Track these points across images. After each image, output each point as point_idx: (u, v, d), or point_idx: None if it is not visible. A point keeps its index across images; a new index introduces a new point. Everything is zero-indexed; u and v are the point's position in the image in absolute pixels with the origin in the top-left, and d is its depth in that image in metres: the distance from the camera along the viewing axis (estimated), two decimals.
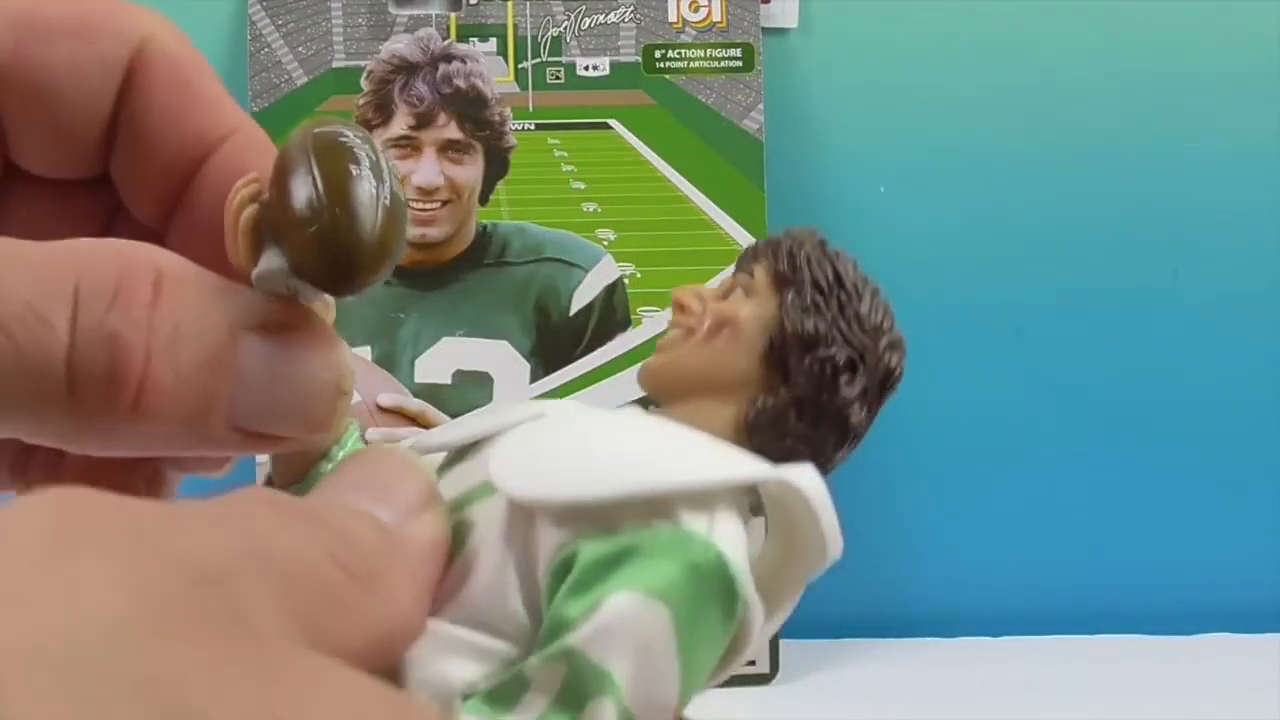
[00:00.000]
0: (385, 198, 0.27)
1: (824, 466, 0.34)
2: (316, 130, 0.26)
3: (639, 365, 0.36)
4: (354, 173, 0.26)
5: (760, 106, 0.75)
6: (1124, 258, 0.80)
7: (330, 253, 0.26)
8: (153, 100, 0.27)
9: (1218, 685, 0.71)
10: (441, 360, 0.73)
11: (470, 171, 0.74)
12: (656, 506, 0.28)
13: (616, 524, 0.27)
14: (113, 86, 0.27)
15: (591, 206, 0.75)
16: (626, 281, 0.74)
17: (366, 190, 0.26)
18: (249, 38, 0.74)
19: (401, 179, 0.73)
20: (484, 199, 0.74)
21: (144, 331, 0.23)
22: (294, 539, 0.21)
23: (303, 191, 0.25)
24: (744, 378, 0.35)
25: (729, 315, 0.35)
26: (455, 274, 0.74)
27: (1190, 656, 0.75)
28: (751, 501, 0.33)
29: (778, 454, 0.33)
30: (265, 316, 0.25)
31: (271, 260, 0.25)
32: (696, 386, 0.35)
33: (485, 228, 0.74)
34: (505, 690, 0.26)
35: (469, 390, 0.73)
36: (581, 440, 0.30)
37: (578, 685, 0.26)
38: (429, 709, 0.19)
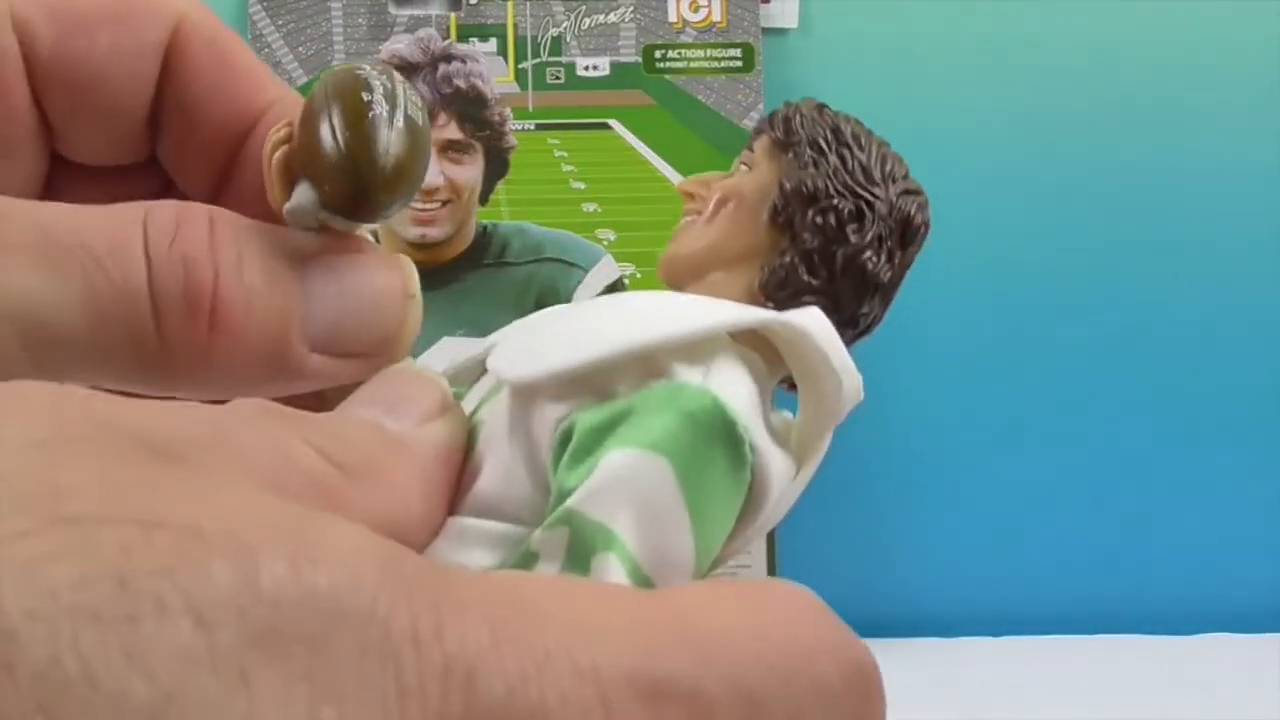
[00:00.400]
0: (400, 121, 0.27)
1: (854, 320, 0.35)
2: (336, 70, 0.27)
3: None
4: (366, 99, 0.27)
5: (760, 106, 0.75)
6: (1124, 259, 0.80)
7: (350, 181, 0.27)
8: (194, 79, 0.28)
9: (1218, 685, 0.71)
10: (441, 360, 0.73)
11: (470, 171, 0.74)
12: (650, 365, 0.27)
13: (612, 388, 0.27)
14: (154, 69, 0.28)
15: (591, 206, 0.75)
16: (626, 281, 0.74)
17: (380, 116, 0.27)
18: (249, 38, 0.74)
19: None
20: (484, 199, 0.74)
21: (209, 253, 0.24)
22: (271, 433, 0.20)
23: (322, 127, 0.26)
24: (753, 247, 0.35)
25: (727, 189, 0.35)
26: (455, 274, 0.74)
27: (1190, 656, 0.75)
28: (784, 373, 0.31)
29: (784, 307, 0.33)
30: (319, 245, 0.26)
31: (301, 195, 0.26)
32: (708, 264, 0.35)
33: (485, 228, 0.74)
34: (517, 567, 0.25)
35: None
36: (577, 316, 0.30)
37: (581, 545, 0.25)
38: (340, 527, 0.19)
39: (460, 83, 0.74)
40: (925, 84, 0.80)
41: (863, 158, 0.37)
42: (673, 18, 0.76)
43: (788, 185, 0.35)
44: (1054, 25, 0.80)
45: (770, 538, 0.73)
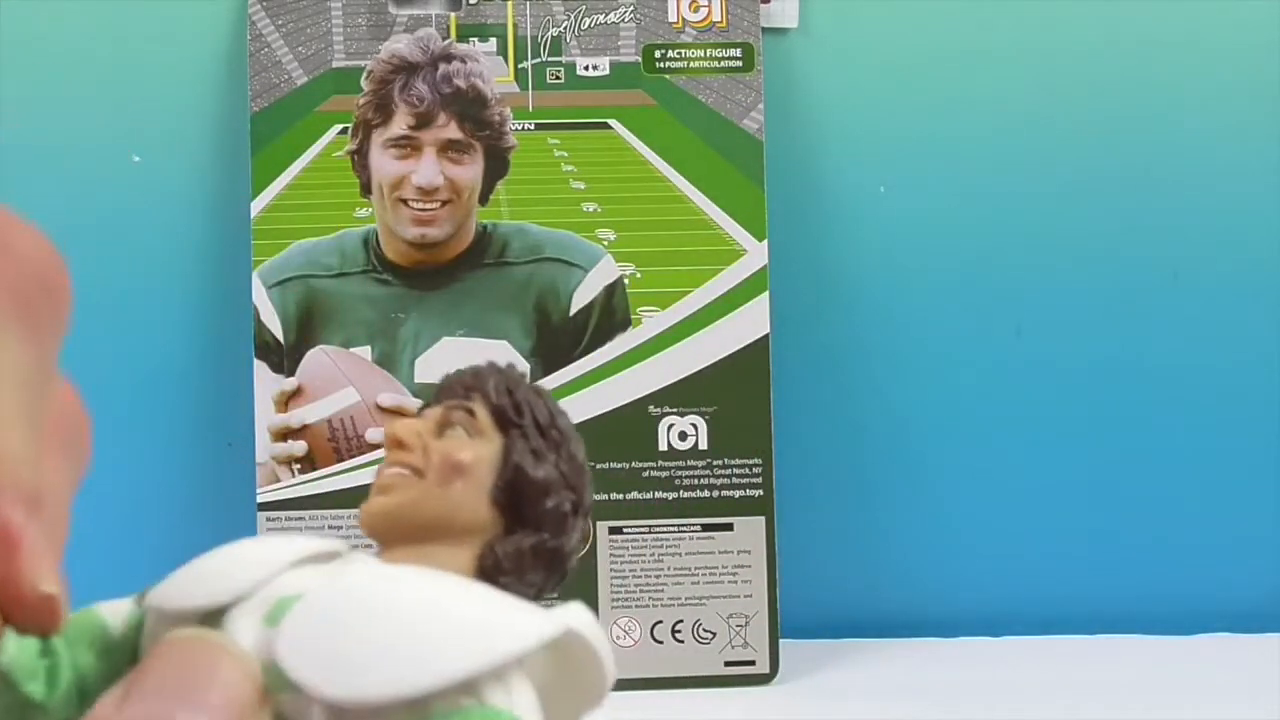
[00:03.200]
0: None
1: (538, 599, 0.36)
2: None
3: (363, 509, 0.37)
4: None
5: (760, 106, 0.75)
6: (1124, 258, 0.80)
7: None
8: None
9: (1218, 685, 0.71)
10: (441, 360, 0.73)
11: (470, 171, 0.74)
12: (463, 687, 0.29)
13: (428, 708, 0.29)
14: None
15: (591, 206, 0.75)
16: (626, 281, 0.74)
17: None
18: (249, 38, 0.74)
19: (401, 179, 0.73)
20: (484, 199, 0.74)
21: None
22: None
23: None
24: (477, 522, 0.36)
25: (459, 461, 0.36)
26: (455, 274, 0.74)
27: (1190, 656, 0.75)
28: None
29: (513, 593, 0.35)
30: None
31: None
32: (430, 532, 0.36)
33: (485, 228, 0.74)
34: None
35: None
36: (383, 615, 0.31)
37: None
38: None
39: (460, 82, 0.74)
40: (925, 84, 0.80)
41: (574, 449, 0.39)
42: (673, 18, 0.76)
43: (521, 472, 0.37)
44: (1055, 26, 0.80)
45: (770, 538, 0.73)
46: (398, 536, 0.36)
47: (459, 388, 0.39)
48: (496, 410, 0.38)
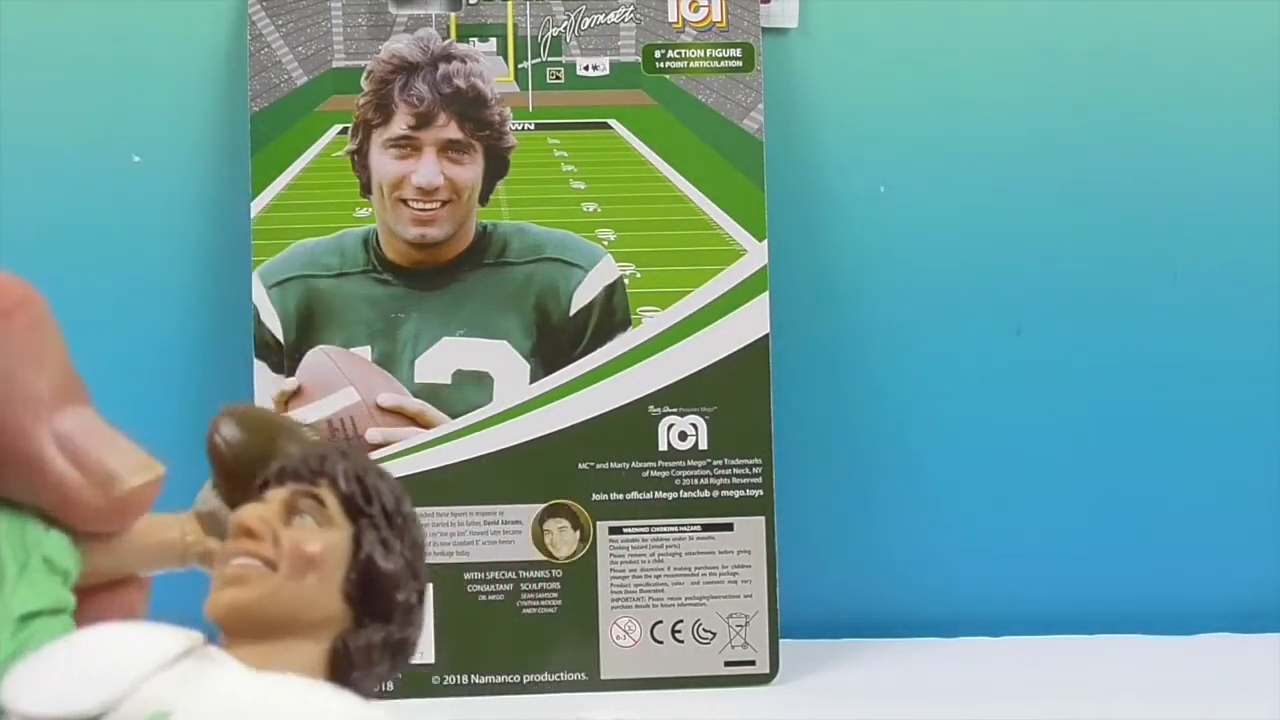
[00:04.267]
0: None
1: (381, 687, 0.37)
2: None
3: (211, 598, 0.37)
4: None
5: (760, 106, 0.75)
6: (1124, 258, 0.80)
7: None
8: None
9: (1218, 685, 0.71)
10: (441, 360, 0.73)
11: (470, 171, 0.74)
12: None
13: None
14: None
15: (591, 206, 0.75)
16: (626, 281, 0.74)
17: None
18: (249, 38, 0.74)
19: (401, 179, 0.73)
20: (484, 199, 0.74)
21: None
22: None
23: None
24: (328, 616, 0.36)
25: (311, 554, 0.36)
26: (455, 274, 0.74)
27: (1190, 656, 0.75)
28: None
29: (358, 686, 0.35)
30: None
31: None
32: (281, 627, 0.36)
33: (485, 228, 0.74)
34: None
35: (469, 390, 0.73)
36: None
37: None
38: None
39: (460, 82, 0.74)
40: (926, 84, 0.80)
41: (421, 539, 0.39)
42: (673, 18, 0.76)
43: (372, 565, 0.37)
44: (1055, 25, 0.80)
45: (770, 538, 0.73)
46: (248, 631, 0.36)
47: (305, 470, 0.38)
48: (346, 498, 0.37)
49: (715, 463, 0.73)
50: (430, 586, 0.40)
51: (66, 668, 0.34)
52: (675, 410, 0.73)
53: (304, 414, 0.72)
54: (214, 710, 0.33)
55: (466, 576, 0.72)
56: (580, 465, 0.73)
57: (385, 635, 0.37)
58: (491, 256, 0.74)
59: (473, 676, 0.71)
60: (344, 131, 0.74)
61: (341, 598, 0.37)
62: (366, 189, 0.74)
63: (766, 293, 0.74)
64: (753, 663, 0.72)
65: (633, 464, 0.73)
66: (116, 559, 0.39)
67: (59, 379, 0.36)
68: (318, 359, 0.72)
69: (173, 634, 0.36)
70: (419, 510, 0.64)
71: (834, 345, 0.80)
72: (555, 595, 0.72)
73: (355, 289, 0.73)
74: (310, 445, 0.39)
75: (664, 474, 0.73)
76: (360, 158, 0.74)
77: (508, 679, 0.71)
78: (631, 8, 0.76)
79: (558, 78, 0.76)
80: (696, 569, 0.73)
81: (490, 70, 0.74)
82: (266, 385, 0.72)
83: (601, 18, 0.76)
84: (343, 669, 0.37)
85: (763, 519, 0.73)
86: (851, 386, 0.80)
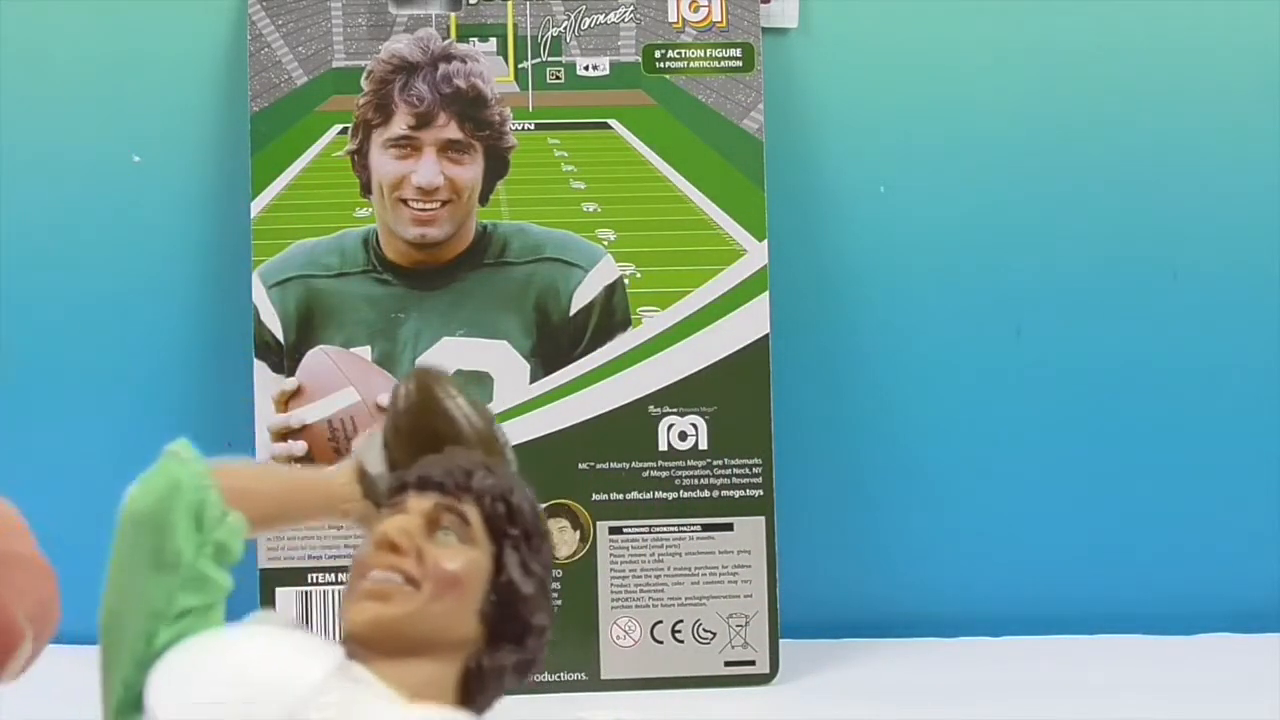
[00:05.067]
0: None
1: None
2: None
3: (351, 610, 0.37)
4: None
5: (760, 106, 0.75)
6: (1124, 258, 0.80)
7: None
8: None
9: (1218, 685, 0.71)
10: (441, 360, 0.73)
11: (470, 171, 0.74)
12: None
13: None
14: None
15: (591, 206, 0.75)
16: (626, 281, 0.74)
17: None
18: (249, 38, 0.74)
19: (401, 179, 0.73)
20: (484, 199, 0.74)
21: None
22: None
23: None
24: (466, 638, 0.37)
25: (454, 576, 0.36)
26: (455, 274, 0.74)
27: (1190, 656, 0.75)
28: None
29: (482, 705, 0.37)
30: None
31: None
32: (421, 646, 0.36)
33: (485, 228, 0.74)
34: None
35: (469, 390, 0.73)
36: None
37: None
38: None
39: (460, 82, 0.74)
40: (926, 84, 0.80)
41: (551, 555, 0.40)
42: (673, 17, 0.76)
43: (512, 590, 0.37)
44: (1055, 26, 0.80)
45: (770, 539, 0.73)
46: (388, 648, 0.36)
47: (450, 483, 0.38)
48: (490, 517, 0.38)
49: (715, 463, 0.73)
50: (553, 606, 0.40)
51: (223, 685, 0.33)
52: (675, 410, 0.73)
53: (304, 414, 0.72)
54: None
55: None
56: (580, 465, 0.73)
57: (519, 659, 0.38)
58: (491, 256, 0.74)
59: None
60: (344, 131, 0.74)
61: (478, 619, 0.37)
62: (366, 189, 0.74)
63: (766, 293, 0.74)
64: (753, 663, 0.72)
65: (633, 464, 0.73)
66: (281, 514, 0.39)
67: None
68: (318, 359, 0.72)
69: (319, 651, 0.35)
70: None
71: (834, 345, 0.80)
72: (555, 595, 0.72)
73: (355, 289, 0.73)
74: (481, 435, 0.40)
75: (664, 474, 0.73)
76: (360, 158, 0.74)
77: None
78: (631, 8, 0.76)
79: (558, 78, 0.76)
80: (696, 569, 0.73)
81: (490, 70, 0.74)
82: (266, 385, 0.72)
83: (601, 18, 0.76)
84: (474, 689, 0.37)
85: (763, 519, 0.73)
86: (851, 386, 0.80)
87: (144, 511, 0.35)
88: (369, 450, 0.41)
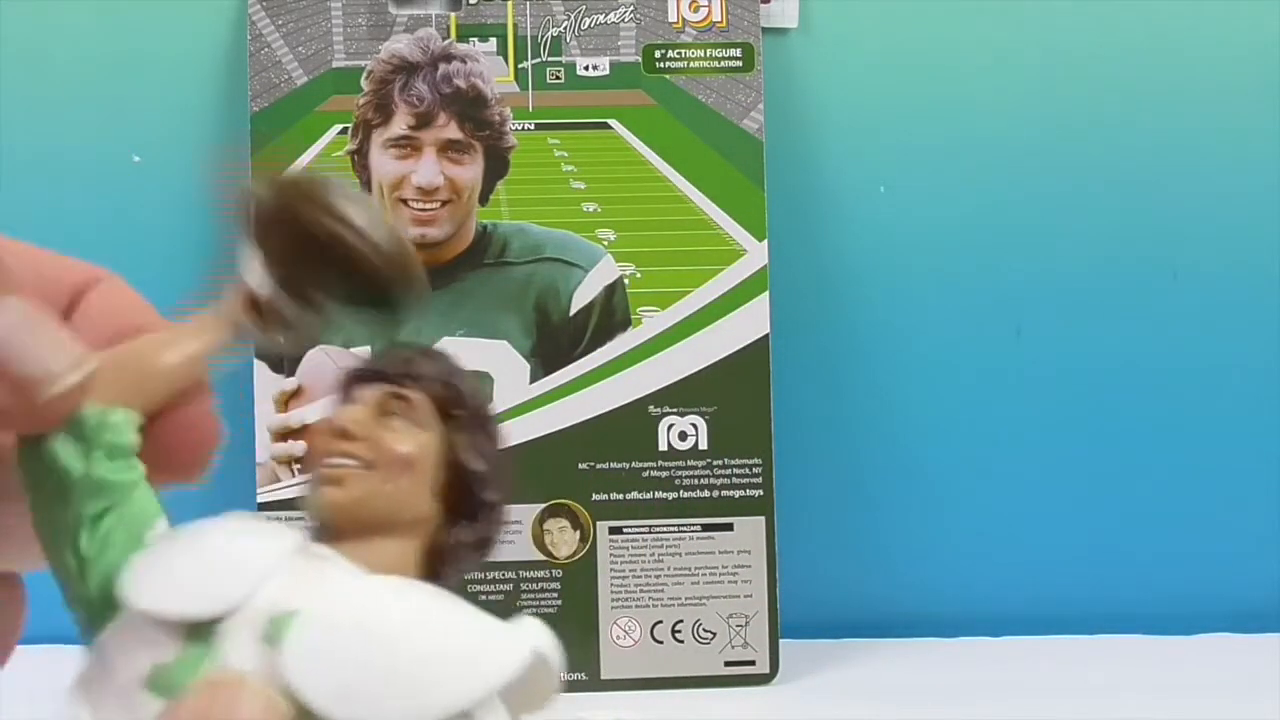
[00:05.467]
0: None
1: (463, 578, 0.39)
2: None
3: (311, 495, 0.38)
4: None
5: (760, 106, 0.75)
6: (1124, 258, 0.80)
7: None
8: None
9: (1218, 685, 0.71)
10: None
11: (470, 171, 0.74)
12: (462, 715, 0.34)
13: None
14: None
15: (591, 206, 0.75)
16: (626, 281, 0.74)
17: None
18: (249, 38, 0.74)
19: (401, 179, 0.73)
20: (484, 199, 0.74)
21: None
22: None
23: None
24: (422, 515, 0.39)
25: (407, 456, 0.38)
26: (455, 274, 0.74)
27: (1190, 656, 0.75)
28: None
29: (446, 582, 0.38)
30: None
31: None
32: (381, 525, 0.38)
33: (485, 227, 0.74)
34: None
35: (358, 199, 0.72)
36: (381, 651, 0.34)
37: None
38: None
39: (460, 82, 0.74)
40: (926, 84, 0.80)
41: (503, 439, 0.41)
42: (673, 18, 0.76)
43: (465, 467, 0.39)
44: (1055, 27, 0.80)
45: (770, 539, 0.73)
46: (348, 529, 0.38)
47: (395, 371, 0.39)
48: (436, 400, 0.39)
49: (715, 463, 0.73)
50: (510, 483, 0.41)
51: (189, 568, 0.35)
52: (675, 410, 0.73)
53: (304, 414, 0.72)
54: (339, 610, 0.34)
55: (467, 576, 0.72)
56: (580, 465, 0.73)
57: (476, 535, 0.39)
58: (491, 256, 0.74)
59: None
60: (344, 131, 0.74)
61: (433, 497, 0.38)
62: (366, 189, 0.74)
63: (766, 293, 0.74)
64: (753, 663, 0.72)
65: (633, 464, 0.73)
66: (165, 385, 0.39)
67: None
68: (318, 359, 0.72)
69: (283, 532, 0.37)
70: None
71: (834, 345, 0.80)
72: (555, 595, 0.72)
73: None
74: (354, 201, 0.40)
75: (664, 474, 0.73)
76: (360, 158, 0.74)
77: None
78: (631, 8, 0.76)
79: (558, 78, 0.76)
80: (696, 569, 0.73)
81: (490, 70, 0.74)
82: (266, 385, 0.72)
83: (601, 18, 0.76)
84: (435, 565, 0.38)
85: (763, 519, 0.73)
86: (851, 386, 0.80)
87: (24, 451, 0.36)
88: (248, 275, 0.41)
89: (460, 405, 0.39)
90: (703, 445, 0.73)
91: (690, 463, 0.73)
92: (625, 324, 0.74)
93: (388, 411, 0.39)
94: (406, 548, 0.38)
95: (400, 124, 0.73)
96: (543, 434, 0.73)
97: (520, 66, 0.75)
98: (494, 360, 0.73)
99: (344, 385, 0.40)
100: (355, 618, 0.34)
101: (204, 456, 0.39)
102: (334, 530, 0.38)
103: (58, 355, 0.36)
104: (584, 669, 0.72)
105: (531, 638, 0.35)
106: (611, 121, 0.75)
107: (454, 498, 0.39)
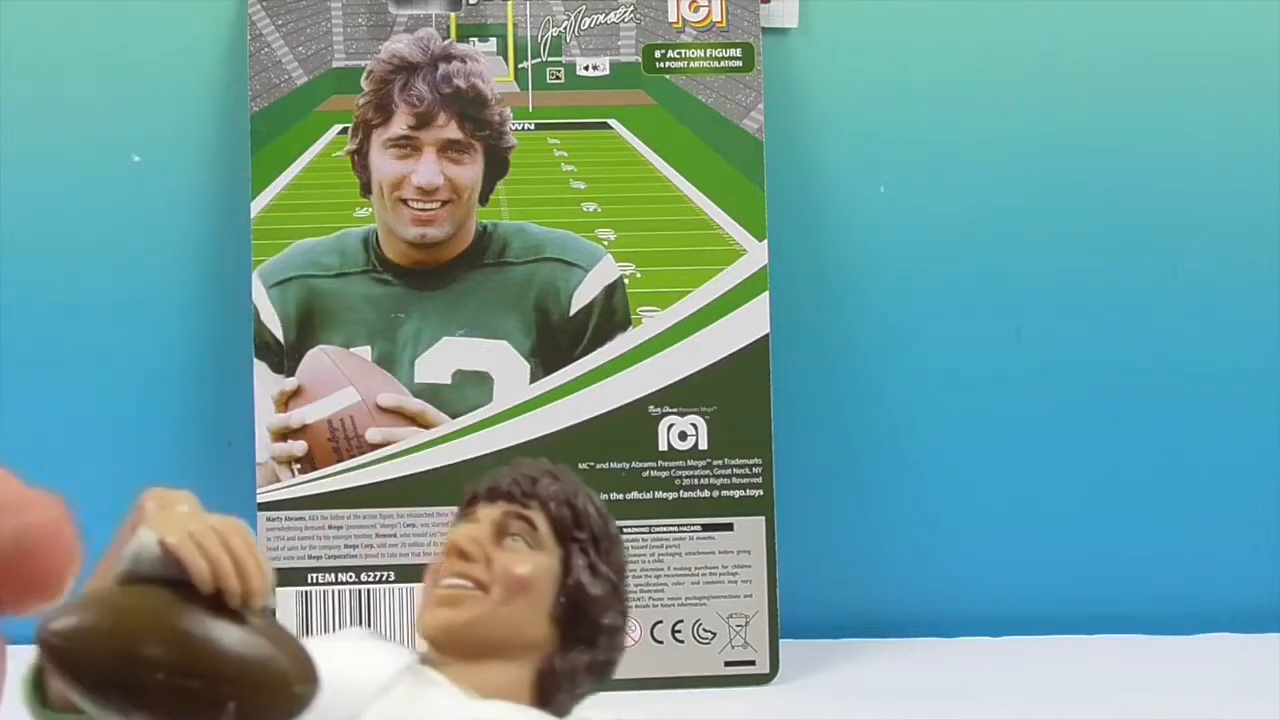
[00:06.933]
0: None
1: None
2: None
3: (424, 616, 0.38)
4: None
5: (760, 106, 0.75)
6: (1124, 257, 0.80)
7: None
8: None
9: (1218, 685, 0.71)
10: (441, 360, 0.73)
11: (470, 171, 0.74)
12: None
13: None
14: None
15: (591, 206, 0.75)
16: (626, 281, 0.74)
17: None
18: (249, 38, 0.74)
19: (401, 179, 0.73)
20: (484, 199, 0.74)
21: None
22: None
23: None
24: (538, 640, 0.38)
25: (524, 578, 0.37)
26: (455, 274, 0.74)
27: (1190, 656, 0.75)
28: None
29: (560, 707, 0.37)
30: None
31: None
32: (493, 649, 0.37)
33: (485, 227, 0.74)
34: None
35: (469, 390, 0.73)
36: None
37: None
38: None
39: (460, 82, 0.74)
40: (925, 84, 0.80)
41: (621, 554, 0.40)
42: (673, 17, 0.76)
43: (582, 591, 0.38)
44: (1055, 27, 0.80)
45: (770, 538, 0.73)
46: (458, 651, 0.37)
47: (516, 490, 0.39)
48: (556, 521, 0.38)
49: (715, 463, 0.73)
50: (629, 606, 0.41)
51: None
52: (675, 410, 0.73)
53: (304, 414, 0.72)
54: None
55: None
56: (580, 465, 0.73)
57: (592, 659, 0.39)
58: (491, 256, 0.74)
59: None
60: (344, 131, 0.74)
61: (549, 621, 0.38)
62: (366, 189, 0.74)
63: (766, 293, 0.74)
64: (753, 663, 0.72)
65: (633, 464, 0.73)
66: None
67: None
68: (318, 359, 0.72)
69: (391, 653, 0.36)
70: (419, 511, 0.65)
71: (833, 345, 0.80)
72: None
73: (355, 289, 0.73)
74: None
75: (664, 474, 0.73)
76: (360, 158, 0.74)
77: None
78: (631, 8, 0.76)
79: (558, 78, 0.76)
80: (696, 569, 0.73)
81: (490, 70, 0.74)
82: (266, 385, 0.72)
83: (601, 18, 0.76)
84: (548, 691, 0.38)
85: (763, 519, 0.73)
86: (851, 386, 0.80)
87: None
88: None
89: (581, 527, 0.38)
90: (703, 445, 0.73)
91: (690, 463, 0.73)
92: (625, 324, 0.74)
93: (506, 532, 0.38)
94: (519, 672, 0.37)
95: (400, 124, 0.73)
96: (543, 434, 0.73)
97: (520, 66, 0.75)
98: (494, 360, 0.73)
99: (466, 502, 0.40)
100: None
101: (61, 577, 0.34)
102: (445, 651, 0.37)
103: None
104: None
105: None
106: (611, 121, 0.75)
107: (570, 622, 0.38)
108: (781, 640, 0.73)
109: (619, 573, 0.39)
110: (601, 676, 0.39)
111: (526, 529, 0.38)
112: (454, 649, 0.37)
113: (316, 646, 0.36)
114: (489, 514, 0.38)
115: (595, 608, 0.38)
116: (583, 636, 0.38)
